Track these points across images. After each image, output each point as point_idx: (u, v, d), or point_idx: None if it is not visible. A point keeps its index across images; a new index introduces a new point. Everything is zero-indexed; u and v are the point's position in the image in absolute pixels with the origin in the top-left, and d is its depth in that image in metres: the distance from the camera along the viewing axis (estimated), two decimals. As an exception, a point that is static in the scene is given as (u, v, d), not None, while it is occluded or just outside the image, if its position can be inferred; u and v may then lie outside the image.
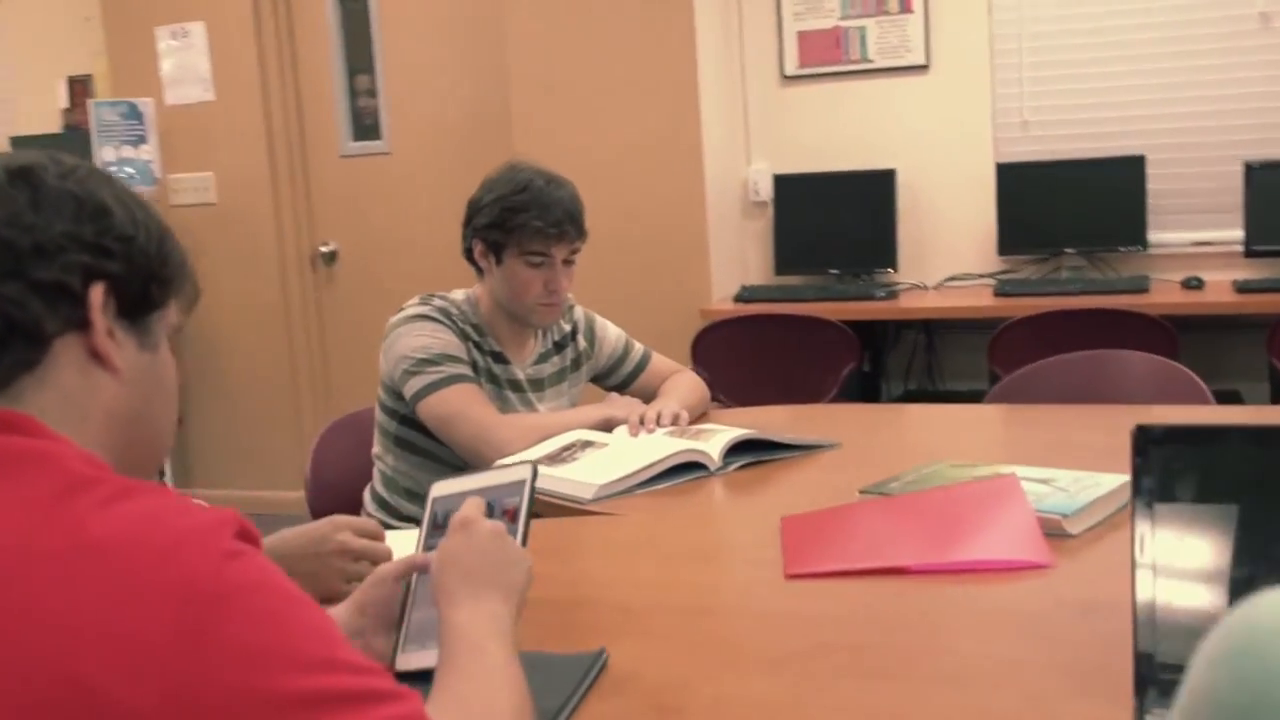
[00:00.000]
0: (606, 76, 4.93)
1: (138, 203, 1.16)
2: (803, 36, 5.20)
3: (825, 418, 2.99)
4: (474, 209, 2.68)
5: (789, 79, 5.24)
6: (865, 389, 5.00)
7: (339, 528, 1.66)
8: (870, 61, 5.13)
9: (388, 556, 1.70)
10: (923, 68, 5.07)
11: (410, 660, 1.39)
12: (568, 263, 2.66)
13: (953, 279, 5.08)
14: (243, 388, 5.72)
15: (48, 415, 1.07)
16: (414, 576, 1.46)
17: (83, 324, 1.09)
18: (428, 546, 1.47)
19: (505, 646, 1.27)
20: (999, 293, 4.69)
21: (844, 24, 5.15)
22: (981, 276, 5.03)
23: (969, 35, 4.99)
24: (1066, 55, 4.91)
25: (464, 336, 2.64)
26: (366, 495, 2.72)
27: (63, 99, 5.95)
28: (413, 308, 2.65)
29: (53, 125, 5.96)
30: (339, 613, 1.46)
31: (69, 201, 1.09)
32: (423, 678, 1.27)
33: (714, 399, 4.60)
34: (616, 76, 4.92)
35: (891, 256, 5.04)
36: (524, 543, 1.43)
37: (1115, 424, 2.55)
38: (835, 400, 4.44)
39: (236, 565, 0.98)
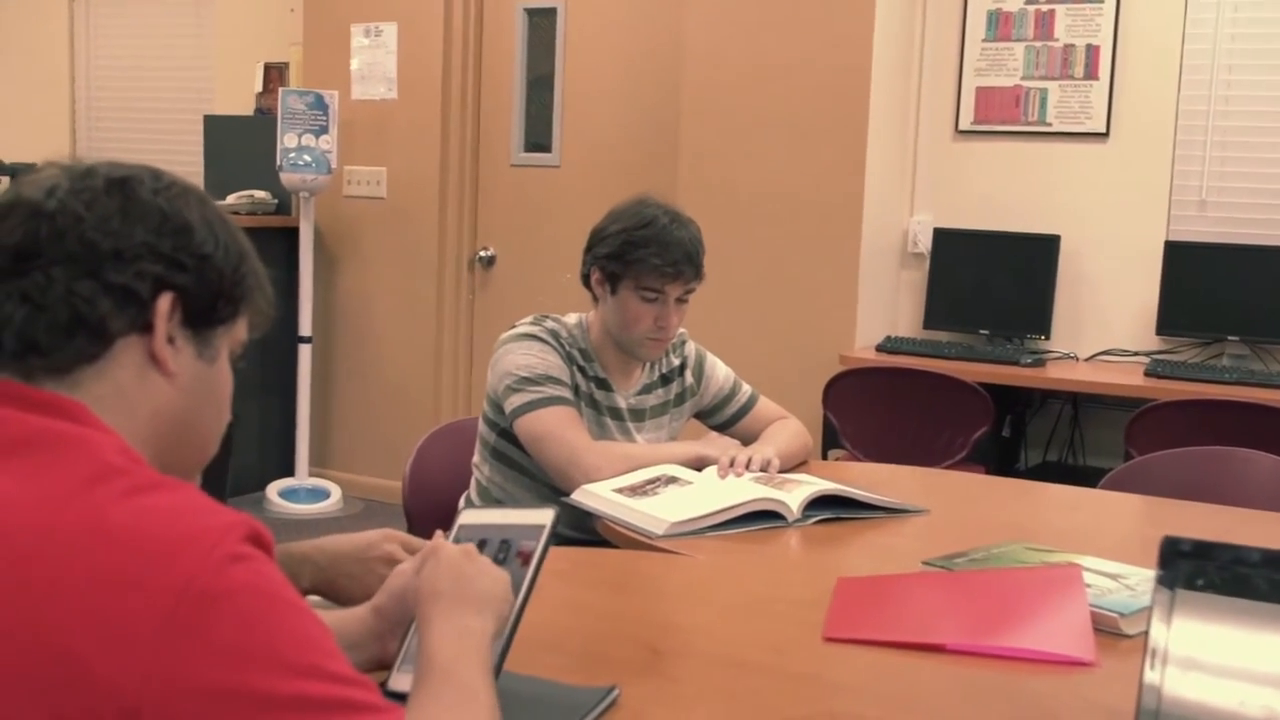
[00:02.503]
0: (777, 112, 4.95)
1: (223, 224, 1.24)
2: (981, 92, 5.15)
3: (930, 482, 2.96)
4: (596, 237, 2.74)
5: (963, 133, 5.18)
6: (1004, 454, 4.92)
7: (389, 539, 1.71)
8: (1048, 124, 5.05)
9: None
10: (1102, 135, 4.97)
11: (402, 681, 1.40)
12: (680, 301, 2.69)
13: (1106, 353, 4.96)
14: (387, 377, 5.89)
15: (100, 405, 1.15)
16: None
17: (146, 327, 1.17)
18: None
19: (475, 665, 1.27)
20: (1149, 372, 4.57)
21: (1025, 84, 5.08)
22: (1136, 354, 4.90)
23: (1154, 108, 4.87)
24: (1253, 138, 4.77)
25: (570, 360, 2.69)
26: (461, 502, 2.79)
27: (258, 83, 6.21)
28: (524, 326, 2.71)
29: (246, 108, 6.23)
30: (359, 614, 1.51)
31: (155, 215, 1.18)
32: None
33: (838, 446, 4.59)
34: (786, 113, 4.94)
35: (1045, 323, 4.94)
36: (531, 587, 1.43)
37: (1220, 526, 2.50)
38: (964, 462, 4.38)
39: (238, 568, 1.04)
